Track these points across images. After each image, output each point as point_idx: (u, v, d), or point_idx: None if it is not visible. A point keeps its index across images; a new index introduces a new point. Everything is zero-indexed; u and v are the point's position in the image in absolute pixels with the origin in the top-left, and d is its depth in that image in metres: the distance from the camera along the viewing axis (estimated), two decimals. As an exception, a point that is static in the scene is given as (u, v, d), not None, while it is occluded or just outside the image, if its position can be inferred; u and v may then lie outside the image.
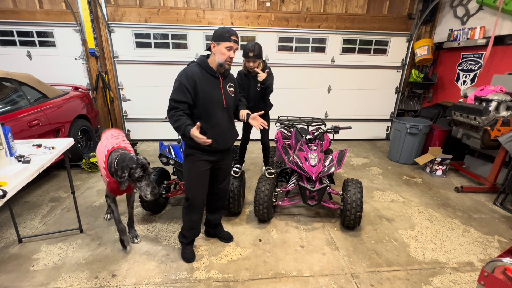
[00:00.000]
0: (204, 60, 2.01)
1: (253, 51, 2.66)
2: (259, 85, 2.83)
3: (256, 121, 2.15)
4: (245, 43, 5.05)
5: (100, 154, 2.26)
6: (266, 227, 2.77)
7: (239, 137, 3.20)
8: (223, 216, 2.75)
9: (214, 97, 2.00)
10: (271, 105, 3.14)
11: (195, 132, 1.81)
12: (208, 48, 2.01)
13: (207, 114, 2.01)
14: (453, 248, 2.53)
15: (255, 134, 3.07)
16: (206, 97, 1.97)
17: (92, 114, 4.56)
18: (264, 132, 3.10)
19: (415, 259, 2.37)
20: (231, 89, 2.14)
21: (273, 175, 2.79)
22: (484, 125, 3.35)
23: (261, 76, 2.72)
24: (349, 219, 2.58)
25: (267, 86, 2.81)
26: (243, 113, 2.23)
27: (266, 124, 2.19)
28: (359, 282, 2.11)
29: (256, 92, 2.90)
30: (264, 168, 3.40)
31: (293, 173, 2.91)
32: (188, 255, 2.29)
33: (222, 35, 1.91)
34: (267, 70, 2.84)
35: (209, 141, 1.84)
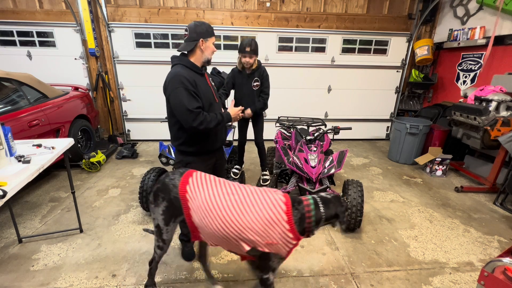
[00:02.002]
0: (187, 60, 1.91)
1: (249, 46, 2.67)
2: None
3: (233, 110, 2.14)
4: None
5: (259, 211, 1.42)
6: (266, 227, 2.76)
7: (236, 138, 3.22)
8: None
9: (208, 95, 1.98)
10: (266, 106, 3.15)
11: (234, 109, 1.99)
12: (189, 48, 1.89)
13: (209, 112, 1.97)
14: (453, 248, 2.53)
15: (250, 134, 3.08)
16: (204, 96, 1.93)
17: (92, 114, 4.56)
18: (257, 132, 3.11)
19: (415, 259, 2.37)
20: (213, 83, 2.15)
21: (267, 182, 2.78)
22: (484, 125, 3.35)
23: (248, 113, 2.85)
24: (349, 223, 2.58)
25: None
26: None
27: (242, 115, 2.22)
28: (359, 282, 2.11)
29: (250, 91, 2.90)
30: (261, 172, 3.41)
31: (292, 174, 2.91)
32: (188, 253, 2.29)
33: (208, 31, 1.89)
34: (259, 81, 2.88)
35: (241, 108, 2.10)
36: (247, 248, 1.44)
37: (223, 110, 2.15)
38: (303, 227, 1.45)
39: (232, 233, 1.43)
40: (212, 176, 1.64)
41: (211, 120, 1.86)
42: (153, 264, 1.82)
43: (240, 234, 1.42)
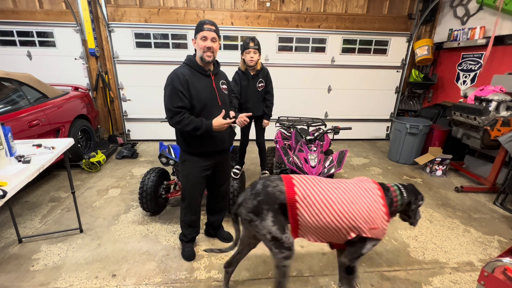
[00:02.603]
0: (192, 59, 1.96)
1: (253, 41, 2.68)
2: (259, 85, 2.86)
3: (240, 117, 2.09)
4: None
5: (363, 199, 1.54)
6: (266, 227, 2.76)
7: (238, 138, 3.23)
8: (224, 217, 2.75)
9: (208, 96, 1.96)
10: None
11: (220, 120, 1.83)
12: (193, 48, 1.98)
13: (202, 115, 1.95)
14: (453, 248, 2.53)
15: (252, 135, 3.11)
16: (200, 97, 1.92)
17: (92, 114, 4.57)
18: (259, 133, 3.13)
19: (415, 259, 2.37)
20: (224, 86, 2.10)
21: None
22: (484, 125, 3.35)
23: (266, 123, 3.09)
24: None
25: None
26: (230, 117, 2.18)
27: (248, 120, 2.11)
28: (359, 282, 2.11)
29: (255, 92, 2.91)
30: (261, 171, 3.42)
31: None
32: (188, 253, 2.29)
33: (197, 28, 1.89)
34: (265, 78, 2.89)
35: (244, 116, 1.93)
36: (353, 235, 1.54)
37: (233, 114, 2.13)
38: (391, 210, 1.60)
39: (345, 224, 1.52)
40: (306, 175, 1.68)
41: (189, 123, 1.84)
42: (285, 280, 1.66)
43: (351, 223, 1.52)
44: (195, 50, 1.98)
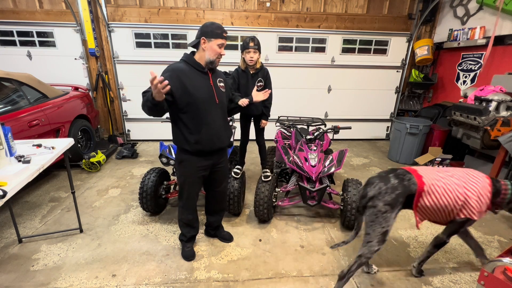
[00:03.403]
0: (190, 57, 1.95)
1: (253, 41, 2.68)
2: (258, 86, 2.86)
3: (257, 96, 2.29)
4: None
5: (475, 184, 1.72)
6: (266, 227, 2.77)
7: (238, 138, 3.23)
8: (223, 217, 2.75)
9: (205, 94, 1.94)
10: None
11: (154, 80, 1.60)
12: (194, 45, 1.95)
13: (200, 112, 1.93)
14: (453, 248, 2.52)
15: (252, 134, 3.12)
16: (197, 94, 1.90)
17: (92, 114, 4.57)
18: (259, 132, 3.13)
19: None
20: (221, 84, 2.10)
21: (269, 178, 2.78)
22: (484, 125, 3.35)
23: (264, 123, 3.06)
24: (349, 219, 2.58)
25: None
26: (244, 101, 2.24)
27: (269, 92, 2.29)
28: (359, 282, 2.11)
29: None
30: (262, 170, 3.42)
31: (293, 173, 2.91)
32: (187, 253, 2.29)
33: (214, 32, 1.86)
34: (262, 81, 2.90)
35: (166, 82, 1.61)
36: (463, 217, 1.74)
37: (246, 101, 2.25)
38: (495, 200, 1.74)
39: (459, 205, 1.71)
40: (423, 166, 1.84)
41: (143, 97, 1.85)
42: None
43: (465, 205, 1.70)
44: (197, 48, 1.95)
